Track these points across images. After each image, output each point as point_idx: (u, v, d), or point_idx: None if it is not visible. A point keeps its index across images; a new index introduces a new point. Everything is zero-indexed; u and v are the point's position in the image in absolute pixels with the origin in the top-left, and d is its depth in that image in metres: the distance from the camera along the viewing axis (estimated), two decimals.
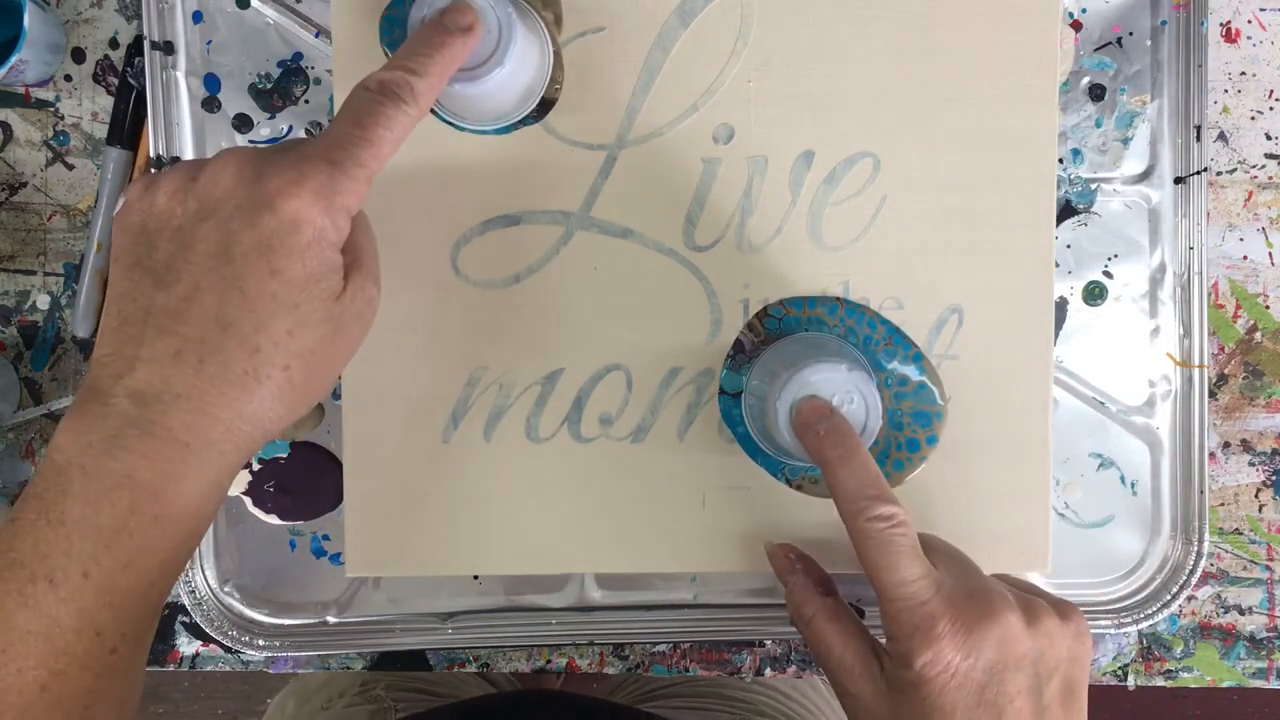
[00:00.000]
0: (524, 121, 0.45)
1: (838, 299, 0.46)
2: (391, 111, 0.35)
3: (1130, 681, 0.50)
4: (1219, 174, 0.49)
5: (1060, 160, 0.48)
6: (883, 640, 0.39)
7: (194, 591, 0.48)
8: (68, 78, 0.49)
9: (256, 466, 0.48)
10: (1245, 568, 0.50)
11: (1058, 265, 0.48)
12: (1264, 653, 0.50)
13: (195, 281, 0.33)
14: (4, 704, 0.31)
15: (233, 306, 0.32)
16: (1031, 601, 0.39)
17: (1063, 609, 0.39)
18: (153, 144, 0.47)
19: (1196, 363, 0.48)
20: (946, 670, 0.36)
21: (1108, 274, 0.48)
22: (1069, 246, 0.48)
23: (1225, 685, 0.50)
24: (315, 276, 0.33)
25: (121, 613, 0.32)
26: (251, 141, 0.48)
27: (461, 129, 0.44)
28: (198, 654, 0.50)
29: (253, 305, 0.33)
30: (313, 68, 0.47)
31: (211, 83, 0.47)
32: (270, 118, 0.48)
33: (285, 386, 0.34)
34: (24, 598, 0.31)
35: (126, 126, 0.48)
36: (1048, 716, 0.37)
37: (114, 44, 0.49)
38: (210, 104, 0.47)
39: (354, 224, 0.35)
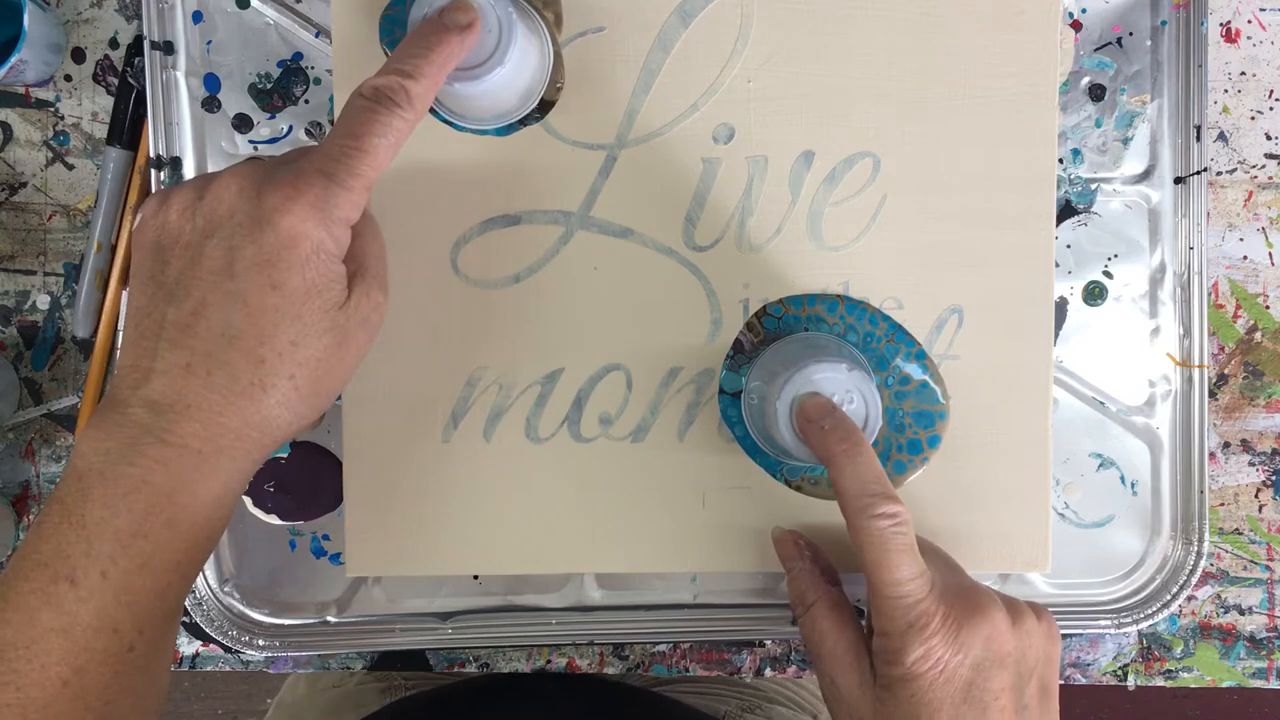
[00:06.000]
0: (524, 121, 0.45)
1: (838, 296, 0.46)
2: (386, 118, 0.35)
3: (1130, 681, 0.50)
4: (1219, 174, 0.49)
5: (1060, 160, 0.48)
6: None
7: (194, 591, 0.48)
8: (68, 78, 0.49)
9: None
10: (1245, 568, 0.50)
11: (1058, 265, 0.48)
12: (1264, 653, 0.50)
13: (203, 296, 0.34)
14: (28, 697, 0.32)
15: (237, 320, 0.34)
16: (1013, 600, 0.40)
17: (1036, 608, 0.40)
18: (152, 144, 0.47)
19: (1196, 363, 0.48)
20: (936, 666, 0.37)
21: (1108, 274, 0.48)
22: (1069, 246, 0.48)
23: (1225, 685, 0.50)
24: (316, 288, 0.34)
25: (138, 611, 0.34)
26: (251, 142, 0.48)
27: (461, 129, 0.44)
28: (198, 654, 0.50)
29: (256, 319, 0.34)
30: (313, 68, 0.47)
31: (211, 83, 0.47)
32: (270, 118, 0.48)
33: (292, 395, 0.35)
34: (46, 596, 0.33)
35: (126, 126, 0.48)
36: (1028, 715, 0.38)
37: (114, 44, 0.49)
38: (210, 104, 0.47)
39: (360, 231, 0.36)
